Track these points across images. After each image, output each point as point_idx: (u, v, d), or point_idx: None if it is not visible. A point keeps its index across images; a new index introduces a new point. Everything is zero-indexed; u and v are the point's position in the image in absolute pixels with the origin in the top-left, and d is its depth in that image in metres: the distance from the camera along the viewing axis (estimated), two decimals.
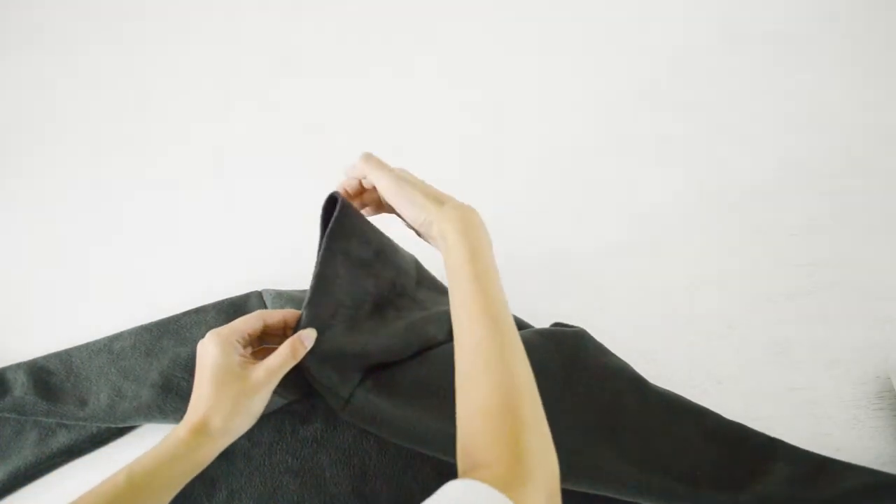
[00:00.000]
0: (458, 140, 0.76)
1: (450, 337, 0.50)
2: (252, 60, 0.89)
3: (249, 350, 0.42)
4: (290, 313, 0.44)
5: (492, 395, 0.33)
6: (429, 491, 0.47)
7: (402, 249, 0.53)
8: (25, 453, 0.52)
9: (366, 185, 0.45)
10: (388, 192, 0.41)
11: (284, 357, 0.39)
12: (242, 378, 0.37)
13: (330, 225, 0.44)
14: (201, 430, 0.36)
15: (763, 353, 0.56)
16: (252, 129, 0.80)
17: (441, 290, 0.57)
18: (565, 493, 0.45)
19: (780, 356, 0.56)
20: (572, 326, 0.55)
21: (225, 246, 0.68)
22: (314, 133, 0.79)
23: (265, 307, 0.58)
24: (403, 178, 0.41)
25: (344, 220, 0.44)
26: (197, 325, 0.58)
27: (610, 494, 0.44)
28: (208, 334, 0.39)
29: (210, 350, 0.38)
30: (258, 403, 0.39)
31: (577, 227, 0.66)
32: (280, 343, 0.43)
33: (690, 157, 0.72)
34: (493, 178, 0.72)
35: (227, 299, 0.60)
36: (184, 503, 0.48)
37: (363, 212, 0.48)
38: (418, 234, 0.44)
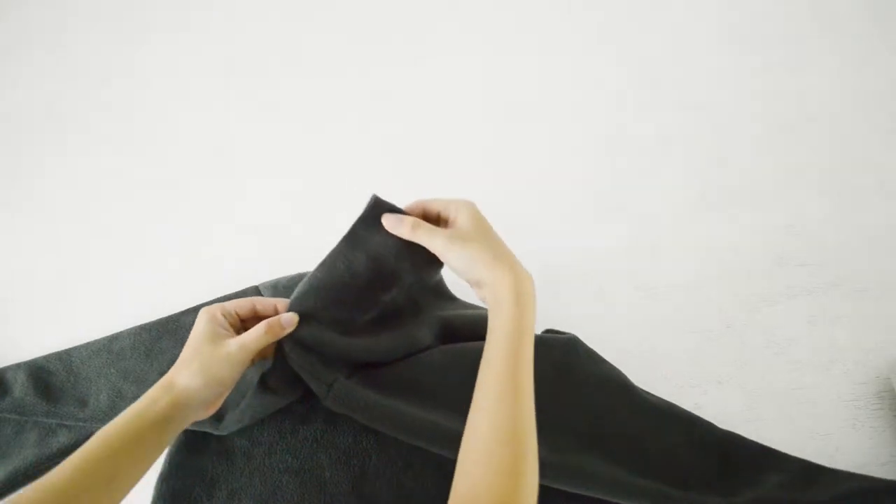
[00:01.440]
0: (457, 140, 0.76)
1: (437, 341, 0.50)
2: (252, 59, 0.89)
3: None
4: (281, 301, 0.44)
5: (497, 478, 0.33)
6: (429, 491, 0.47)
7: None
8: (26, 453, 0.52)
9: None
10: (442, 255, 0.41)
11: (258, 334, 0.40)
12: (217, 345, 0.39)
13: (358, 219, 0.42)
14: (166, 385, 0.38)
15: (763, 353, 0.56)
16: (252, 129, 0.80)
17: (443, 297, 0.56)
18: (555, 493, 0.46)
19: (780, 356, 0.56)
20: (564, 333, 0.54)
21: (224, 246, 0.68)
22: (314, 133, 0.79)
23: None
24: (456, 238, 0.40)
25: (372, 221, 0.42)
26: None
27: (600, 496, 0.45)
28: (202, 310, 0.42)
29: (199, 321, 0.41)
30: (224, 371, 0.39)
31: (577, 227, 0.66)
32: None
33: (690, 157, 0.72)
34: (492, 179, 0.72)
35: (224, 297, 0.60)
36: (184, 503, 0.48)
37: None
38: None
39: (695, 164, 0.71)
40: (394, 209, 0.43)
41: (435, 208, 0.43)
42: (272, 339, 0.41)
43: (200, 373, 0.38)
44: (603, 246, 0.64)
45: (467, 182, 0.71)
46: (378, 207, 0.42)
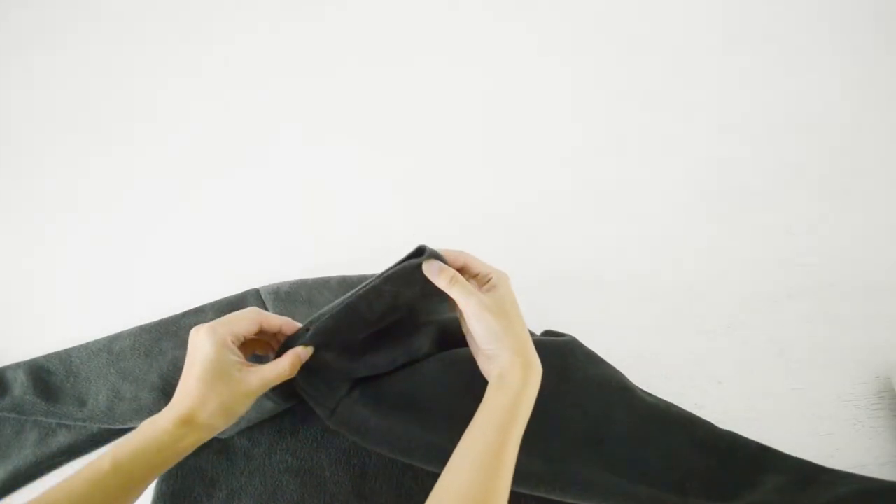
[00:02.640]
0: (456, 140, 0.76)
1: (435, 348, 0.50)
2: (249, 58, 0.89)
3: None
4: (287, 325, 0.43)
5: None
6: (428, 491, 0.47)
7: None
8: (26, 453, 0.52)
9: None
10: (468, 316, 0.41)
11: (282, 371, 0.40)
12: (235, 381, 0.38)
13: (399, 264, 0.42)
14: (187, 421, 0.36)
15: (763, 353, 0.56)
16: (250, 128, 0.80)
17: (432, 297, 0.56)
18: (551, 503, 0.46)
19: (780, 356, 0.56)
20: (563, 335, 0.54)
21: (223, 245, 0.68)
22: (313, 132, 0.79)
23: (263, 306, 0.58)
24: (489, 307, 0.40)
25: (411, 268, 0.42)
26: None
27: None
28: (204, 328, 0.39)
29: (204, 345, 0.38)
30: (244, 407, 0.39)
31: (576, 228, 0.66)
32: (268, 344, 0.44)
33: (690, 157, 0.72)
34: (491, 179, 0.72)
35: (224, 299, 0.59)
36: (184, 502, 0.48)
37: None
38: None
39: (694, 165, 0.71)
40: (438, 258, 0.42)
41: (477, 269, 0.43)
42: (292, 375, 0.41)
43: (221, 412, 0.37)
44: (602, 246, 0.64)
45: (467, 183, 0.71)
46: (423, 256, 0.42)
